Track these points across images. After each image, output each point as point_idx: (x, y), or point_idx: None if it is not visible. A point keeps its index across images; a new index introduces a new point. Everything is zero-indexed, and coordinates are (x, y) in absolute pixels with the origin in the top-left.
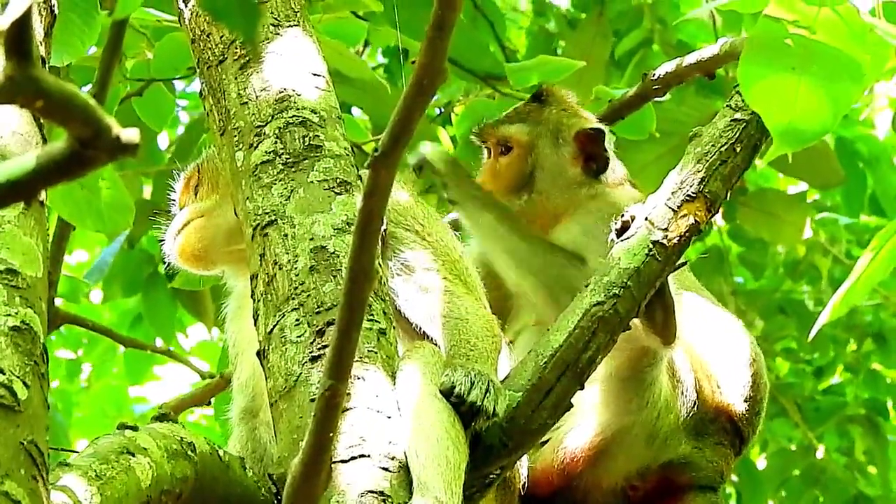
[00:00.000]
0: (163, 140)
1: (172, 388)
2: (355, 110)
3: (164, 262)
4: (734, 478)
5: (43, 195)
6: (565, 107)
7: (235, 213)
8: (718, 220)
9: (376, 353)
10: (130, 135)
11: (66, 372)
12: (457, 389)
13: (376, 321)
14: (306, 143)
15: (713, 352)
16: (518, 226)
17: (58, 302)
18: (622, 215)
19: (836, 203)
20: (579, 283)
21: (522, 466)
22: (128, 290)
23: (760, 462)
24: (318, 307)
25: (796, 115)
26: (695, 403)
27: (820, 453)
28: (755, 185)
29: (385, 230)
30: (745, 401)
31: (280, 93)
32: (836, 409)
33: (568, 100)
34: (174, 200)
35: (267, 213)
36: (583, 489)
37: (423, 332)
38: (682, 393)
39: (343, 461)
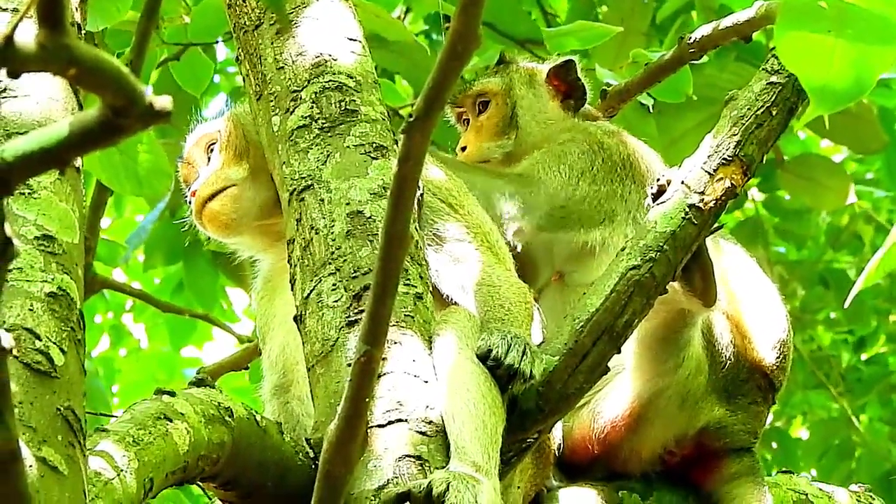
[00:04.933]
0: (215, 109)
1: (227, 350)
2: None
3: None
4: (773, 445)
5: (79, 161)
6: (529, 62)
7: (272, 178)
8: (755, 191)
9: (413, 317)
10: (163, 102)
11: (112, 338)
12: (493, 353)
13: (413, 285)
14: (342, 108)
15: (745, 305)
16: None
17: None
18: (658, 179)
19: (877, 175)
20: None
21: (557, 430)
22: (169, 259)
23: (802, 433)
24: (355, 272)
25: (832, 77)
26: (726, 363)
27: (860, 425)
28: (793, 157)
29: (421, 195)
30: (775, 348)
31: (316, 57)
32: (880, 378)
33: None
34: (183, 152)
35: (303, 178)
36: (622, 458)
37: (455, 302)
38: (717, 353)
39: (380, 426)
